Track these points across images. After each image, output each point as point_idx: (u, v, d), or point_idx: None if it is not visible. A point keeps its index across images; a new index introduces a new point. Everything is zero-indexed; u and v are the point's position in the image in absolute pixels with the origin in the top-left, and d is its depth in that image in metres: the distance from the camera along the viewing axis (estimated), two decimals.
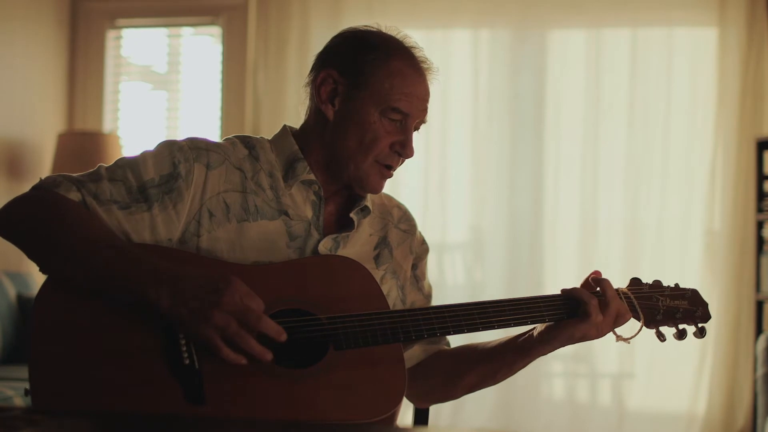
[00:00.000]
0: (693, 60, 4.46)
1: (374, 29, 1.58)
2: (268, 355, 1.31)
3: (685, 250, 4.40)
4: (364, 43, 1.55)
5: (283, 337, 1.32)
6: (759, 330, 4.15)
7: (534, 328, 1.55)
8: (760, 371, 3.49)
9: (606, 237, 4.48)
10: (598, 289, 1.53)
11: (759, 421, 3.52)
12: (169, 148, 1.50)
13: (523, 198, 4.55)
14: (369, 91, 1.51)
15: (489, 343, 1.60)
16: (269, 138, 1.61)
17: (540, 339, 1.53)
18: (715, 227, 4.37)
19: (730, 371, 4.28)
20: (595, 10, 4.55)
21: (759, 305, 4.18)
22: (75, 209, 1.40)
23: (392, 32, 1.58)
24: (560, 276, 4.50)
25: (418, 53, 1.56)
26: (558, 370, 4.55)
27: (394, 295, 1.61)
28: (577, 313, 1.49)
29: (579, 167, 4.51)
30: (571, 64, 4.56)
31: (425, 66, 1.56)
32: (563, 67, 4.57)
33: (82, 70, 4.94)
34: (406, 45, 1.56)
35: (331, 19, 4.61)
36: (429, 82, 1.56)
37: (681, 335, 1.56)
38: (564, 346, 1.52)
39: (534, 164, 4.56)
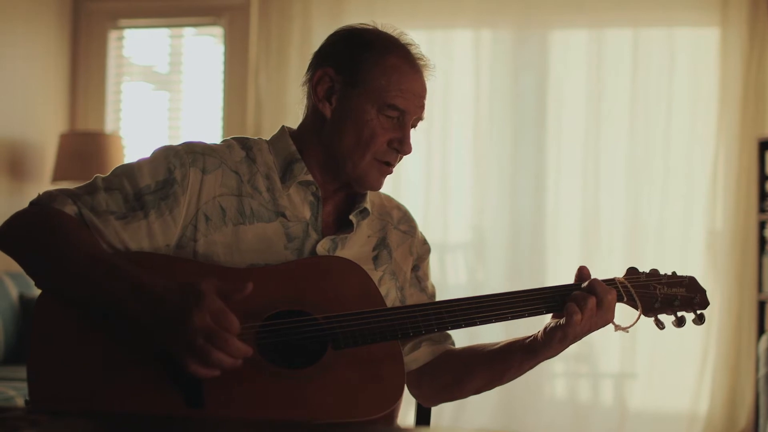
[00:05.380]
0: (695, 60, 4.46)
1: (370, 27, 1.58)
2: (237, 362, 1.28)
3: (687, 250, 4.40)
4: (359, 41, 1.55)
5: (249, 353, 1.28)
6: (761, 330, 4.14)
7: (539, 331, 1.53)
8: (762, 371, 3.49)
9: (607, 237, 4.48)
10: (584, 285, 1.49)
11: (761, 421, 3.51)
12: (164, 153, 1.50)
13: (525, 198, 4.55)
14: (365, 88, 1.51)
15: (497, 343, 1.59)
16: (268, 139, 1.61)
17: (543, 340, 1.51)
18: (716, 227, 4.36)
19: (732, 371, 4.27)
20: (596, 10, 4.55)
21: (761, 305, 4.18)
22: (68, 223, 1.40)
23: (388, 30, 1.58)
24: (562, 276, 4.49)
25: (414, 50, 1.56)
26: (560, 370, 4.55)
27: (392, 296, 1.60)
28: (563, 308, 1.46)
29: (580, 167, 4.51)
30: (572, 65, 4.55)
31: (422, 63, 1.56)
32: (565, 68, 4.56)
33: (84, 70, 4.94)
34: (402, 42, 1.56)
35: (333, 20, 4.61)
36: (426, 79, 1.56)
37: (680, 322, 1.53)
38: (565, 345, 1.49)
39: (535, 164, 4.55)
